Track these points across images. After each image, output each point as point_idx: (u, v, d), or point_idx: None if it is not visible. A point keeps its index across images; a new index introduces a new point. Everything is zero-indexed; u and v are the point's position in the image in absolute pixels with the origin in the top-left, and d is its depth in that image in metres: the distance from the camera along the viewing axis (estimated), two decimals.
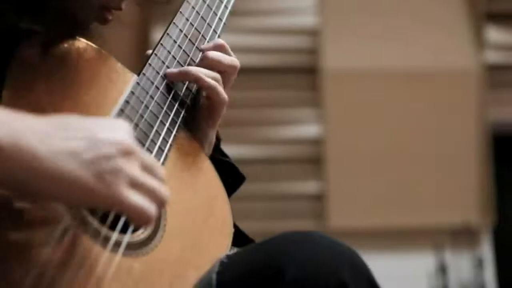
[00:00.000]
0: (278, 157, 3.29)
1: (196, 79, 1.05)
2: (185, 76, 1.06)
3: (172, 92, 1.05)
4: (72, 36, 0.99)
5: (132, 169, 0.78)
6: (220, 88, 1.06)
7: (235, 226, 1.03)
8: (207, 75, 1.06)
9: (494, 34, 3.46)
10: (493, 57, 3.45)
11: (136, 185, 0.78)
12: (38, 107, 0.89)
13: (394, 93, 3.38)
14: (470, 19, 3.45)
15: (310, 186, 3.29)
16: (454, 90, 3.39)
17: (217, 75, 1.07)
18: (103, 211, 0.82)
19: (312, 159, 3.31)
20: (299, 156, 3.30)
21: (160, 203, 0.80)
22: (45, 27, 0.96)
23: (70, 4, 0.97)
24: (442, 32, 3.43)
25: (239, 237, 1.04)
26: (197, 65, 1.07)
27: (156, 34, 3.09)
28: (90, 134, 0.78)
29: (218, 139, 1.14)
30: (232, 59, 1.09)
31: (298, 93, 3.34)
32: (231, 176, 1.07)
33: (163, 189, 0.81)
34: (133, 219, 0.79)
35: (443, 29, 3.43)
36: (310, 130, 3.33)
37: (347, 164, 3.32)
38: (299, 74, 3.35)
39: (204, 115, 1.08)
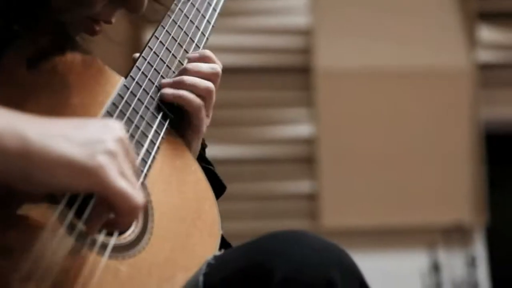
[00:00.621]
0: (271, 156, 3.29)
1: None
2: (180, 86, 1.06)
3: (160, 95, 1.05)
4: (61, 49, 0.98)
5: (124, 159, 0.80)
6: (202, 112, 1.06)
7: None
8: (199, 83, 1.06)
9: (486, 33, 3.46)
10: (485, 56, 3.45)
11: (124, 175, 0.79)
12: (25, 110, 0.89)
13: (386, 93, 3.38)
14: (462, 18, 3.46)
15: (303, 186, 3.29)
16: (447, 89, 3.40)
17: (211, 86, 1.07)
18: (85, 193, 0.82)
19: (305, 159, 3.31)
20: (292, 156, 3.30)
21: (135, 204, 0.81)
22: (33, 39, 0.96)
23: (60, 17, 0.96)
24: (435, 31, 3.43)
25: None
26: (178, 75, 1.08)
27: (148, 35, 3.08)
28: (84, 122, 0.80)
29: (203, 147, 1.14)
30: (211, 66, 1.09)
31: (291, 93, 3.35)
32: (213, 184, 1.07)
33: (139, 194, 0.81)
34: (119, 204, 0.79)
35: (436, 29, 3.43)
36: (303, 129, 3.33)
37: (340, 164, 3.32)
38: (292, 74, 3.35)
39: (186, 124, 1.08)
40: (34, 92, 0.92)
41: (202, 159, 1.12)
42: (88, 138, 0.78)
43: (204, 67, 1.08)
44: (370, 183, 3.31)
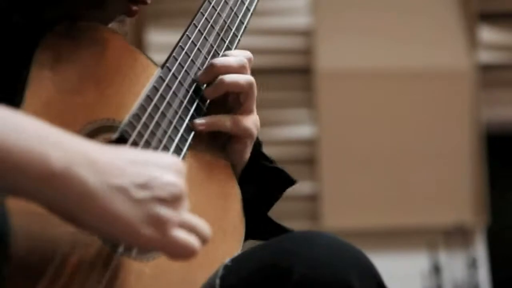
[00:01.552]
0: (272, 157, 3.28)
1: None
2: (221, 88, 1.03)
3: (194, 88, 1.02)
4: (97, 17, 0.97)
5: (181, 213, 0.77)
6: (236, 127, 1.03)
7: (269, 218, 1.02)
8: (240, 79, 1.03)
9: (487, 34, 3.46)
10: (486, 57, 3.45)
11: (183, 227, 0.77)
12: (59, 101, 0.88)
13: (387, 93, 3.38)
14: (463, 19, 3.46)
15: (304, 187, 3.28)
16: (448, 90, 3.40)
17: (251, 79, 1.04)
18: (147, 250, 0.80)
19: (306, 160, 3.31)
20: (293, 157, 3.30)
21: (205, 238, 0.79)
22: (70, 9, 0.95)
23: None
24: (435, 32, 3.43)
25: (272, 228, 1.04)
26: (203, 75, 1.04)
27: (149, 34, 3.08)
28: (143, 171, 0.76)
29: (259, 144, 1.11)
30: (238, 60, 1.05)
31: (291, 94, 3.34)
32: (276, 180, 1.05)
33: (205, 225, 0.79)
34: (177, 255, 0.77)
35: (436, 29, 3.43)
36: (304, 130, 3.33)
37: (341, 165, 3.32)
38: (293, 75, 3.35)
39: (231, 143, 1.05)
40: (74, 72, 0.91)
41: (260, 156, 1.09)
42: (147, 195, 0.75)
43: (231, 61, 1.04)
44: (371, 184, 3.31)
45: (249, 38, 3.87)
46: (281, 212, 3.72)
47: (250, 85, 1.04)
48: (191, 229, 0.77)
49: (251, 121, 1.06)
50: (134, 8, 1.00)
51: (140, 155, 0.79)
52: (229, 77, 1.03)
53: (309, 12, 3.39)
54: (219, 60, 1.04)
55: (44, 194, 0.72)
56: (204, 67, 1.04)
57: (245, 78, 1.04)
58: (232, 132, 1.03)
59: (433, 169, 3.35)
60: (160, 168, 0.78)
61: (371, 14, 3.40)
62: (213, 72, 1.03)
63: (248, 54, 1.08)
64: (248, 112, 1.06)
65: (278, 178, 1.09)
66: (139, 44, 3.01)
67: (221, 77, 1.03)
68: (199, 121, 1.00)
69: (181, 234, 0.76)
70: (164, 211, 0.75)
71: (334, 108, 3.34)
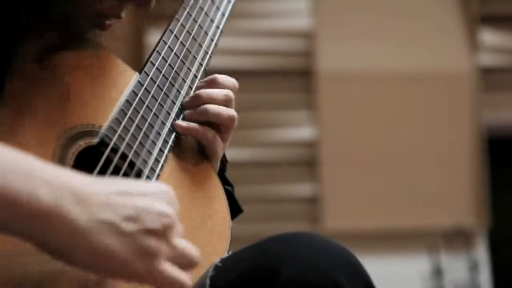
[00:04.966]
0: (272, 159, 3.28)
1: (199, 133, 1.04)
2: (203, 117, 1.04)
3: (173, 92, 1.03)
4: (69, 45, 0.97)
5: (172, 244, 0.76)
6: (216, 142, 1.04)
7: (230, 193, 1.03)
8: (222, 112, 1.04)
9: (488, 36, 3.46)
10: (487, 59, 3.45)
11: (173, 258, 0.76)
12: (36, 109, 0.88)
13: (388, 96, 3.38)
14: (464, 22, 3.46)
15: (304, 189, 3.28)
16: (449, 92, 3.40)
17: (234, 114, 1.06)
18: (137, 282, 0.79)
19: (307, 162, 3.31)
20: (293, 159, 3.30)
21: (195, 264, 0.78)
22: (40, 34, 0.95)
23: (70, 12, 0.95)
24: (436, 34, 3.43)
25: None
26: (189, 102, 1.05)
27: (149, 35, 3.09)
28: (131, 203, 0.75)
29: (224, 164, 1.11)
30: (224, 93, 1.06)
31: (292, 96, 3.34)
32: (230, 206, 1.06)
33: (194, 251, 0.78)
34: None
35: (437, 32, 3.44)
36: (304, 132, 3.33)
37: (342, 167, 3.32)
38: (294, 76, 3.35)
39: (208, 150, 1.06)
40: (44, 86, 0.91)
41: (221, 179, 1.09)
42: (137, 228, 0.73)
43: (216, 94, 1.06)
44: (372, 186, 3.31)
45: (250, 39, 3.88)
46: (282, 214, 3.72)
47: (231, 119, 1.06)
48: (182, 257, 0.76)
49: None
50: (108, 22, 1.00)
51: (127, 185, 0.77)
52: (212, 108, 1.04)
53: (310, 14, 3.39)
54: (205, 92, 1.05)
55: (34, 231, 0.71)
56: (190, 95, 1.05)
57: (228, 112, 1.06)
58: (208, 144, 1.04)
59: (434, 171, 3.35)
60: (149, 197, 0.76)
61: (372, 17, 3.41)
62: (199, 101, 1.05)
63: (234, 83, 1.09)
64: (225, 141, 1.07)
65: (230, 201, 1.10)
66: (139, 45, 3.02)
67: (205, 106, 1.04)
68: (183, 124, 1.02)
69: (170, 269, 0.75)
70: (154, 244, 0.74)
71: (335, 110, 3.34)
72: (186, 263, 0.77)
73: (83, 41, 0.98)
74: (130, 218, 0.74)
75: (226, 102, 1.06)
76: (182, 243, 0.77)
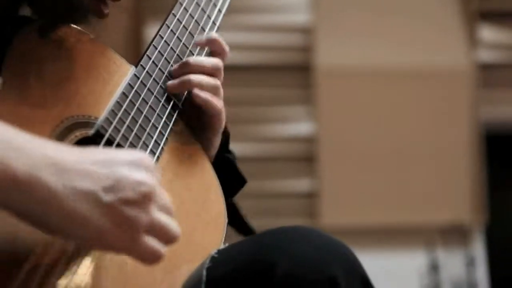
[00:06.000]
0: (270, 155, 3.28)
1: (194, 96, 1.05)
2: (187, 85, 1.05)
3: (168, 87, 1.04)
4: (68, 21, 0.97)
5: (151, 214, 0.76)
6: (214, 101, 1.05)
7: (240, 216, 1.03)
8: (208, 83, 1.05)
9: (487, 32, 3.46)
10: (486, 56, 3.45)
11: (152, 229, 0.76)
12: (32, 100, 0.88)
13: (386, 92, 3.38)
14: (463, 17, 3.45)
15: (302, 184, 3.28)
16: (447, 88, 3.40)
17: (217, 83, 1.06)
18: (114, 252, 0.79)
19: (305, 157, 3.31)
20: (291, 154, 3.30)
21: (173, 240, 0.78)
22: (41, 13, 0.95)
23: None
24: (435, 30, 3.43)
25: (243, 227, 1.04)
26: (176, 71, 1.06)
27: (149, 28, 3.09)
28: (110, 172, 0.75)
29: (226, 135, 1.13)
30: (213, 63, 1.07)
31: (291, 91, 3.34)
32: (233, 175, 1.07)
33: (175, 226, 0.78)
34: (143, 260, 0.77)
35: (436, 28, 3.43)
36: (303, 128, 3.33)
37: (340, 162, 3.32)
38: (292, 72, 3.35)
39: (205, 125, 1.07)
40: (42, 72, 0.92)
41: (224, 149, 1.11)
42: (116, 198, 0.73)
43: (206, 62, 1.07)
44: (370, 182, 3.31)
45: (248, 34, 3.87)
46: (279, 209, 3.72)
47: (214, 88, 1.06)
48: (161, 229, 0.76)
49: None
50: (106, 11, 1.00)
51: (106, 155, 0.77)
52: (196, 77, 1.05)
53: (309, 9, 3.39)
54: (194, 59, 1.06)
55: (11, 200, 0.71)
56: (178, 63, 1.06)
57: (211, 82, 1.06)
58: (207, 106, 1.05)
59: (432, 167, 3.35)
60: (127, 166, 0.76)
61: (371, 12, 3.40)
62: (186, 68, 1.05)
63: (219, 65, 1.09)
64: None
65: (233, 171, 1.10)
66: (138, 39, 3.01)
67: (189, 75, 1.05)
68: (175, 81, 1.03)
69: (148, 240, 0.75)
70: (133, 214, 0.74)
71: (333, 106, 3.34)
72: (165, 237, 0.77)
73: (81, 22, 0.99)
74: (109, 189, 0.74)
75: (214, 71, 1.07)
76: (162, 217, 0.77)
